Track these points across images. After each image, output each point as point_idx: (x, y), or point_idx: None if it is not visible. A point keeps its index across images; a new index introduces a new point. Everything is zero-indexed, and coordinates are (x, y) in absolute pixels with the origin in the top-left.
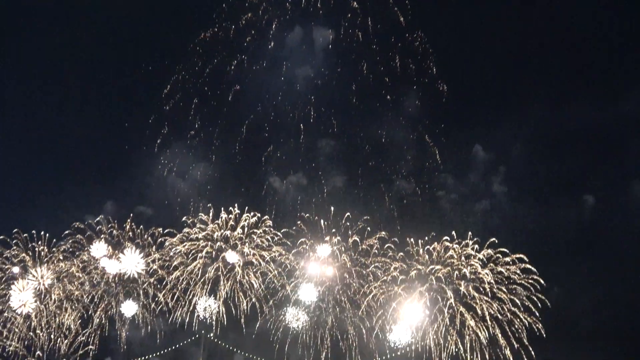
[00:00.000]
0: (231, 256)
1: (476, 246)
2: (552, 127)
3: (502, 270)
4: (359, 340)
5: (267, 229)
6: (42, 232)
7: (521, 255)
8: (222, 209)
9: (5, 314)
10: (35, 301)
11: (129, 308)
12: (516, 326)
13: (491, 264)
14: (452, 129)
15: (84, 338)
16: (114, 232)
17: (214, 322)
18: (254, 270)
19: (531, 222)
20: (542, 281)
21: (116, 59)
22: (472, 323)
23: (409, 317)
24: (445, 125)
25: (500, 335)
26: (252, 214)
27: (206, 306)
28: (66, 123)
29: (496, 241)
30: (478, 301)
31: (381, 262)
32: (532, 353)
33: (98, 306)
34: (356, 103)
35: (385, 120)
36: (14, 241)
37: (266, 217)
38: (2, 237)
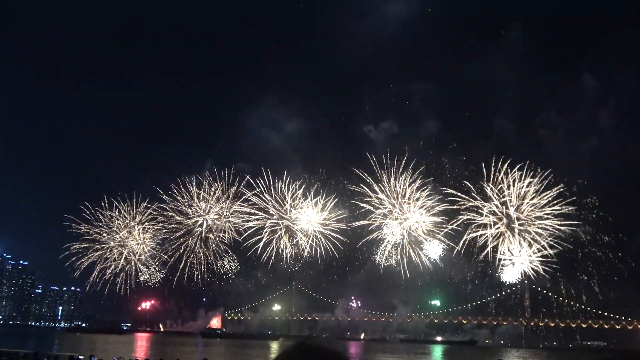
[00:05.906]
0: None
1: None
2: None
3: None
4: None
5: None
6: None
7: None
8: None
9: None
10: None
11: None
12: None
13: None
14: (559, 57)
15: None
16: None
17: (308, 275)
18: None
19: None
20: None
21: (211, 25)
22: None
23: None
24: (553, 52)
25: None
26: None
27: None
28: (167, 89)
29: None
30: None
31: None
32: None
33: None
34: (452, 41)
35: (484, 58)
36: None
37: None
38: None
